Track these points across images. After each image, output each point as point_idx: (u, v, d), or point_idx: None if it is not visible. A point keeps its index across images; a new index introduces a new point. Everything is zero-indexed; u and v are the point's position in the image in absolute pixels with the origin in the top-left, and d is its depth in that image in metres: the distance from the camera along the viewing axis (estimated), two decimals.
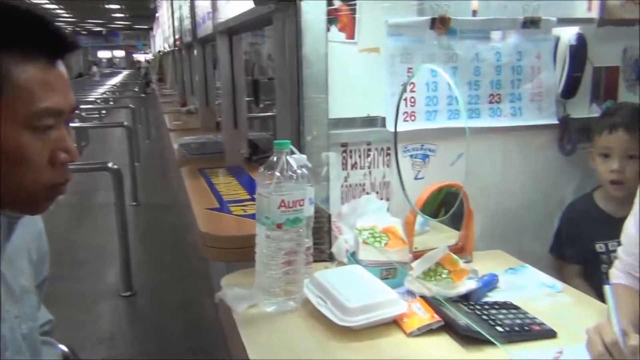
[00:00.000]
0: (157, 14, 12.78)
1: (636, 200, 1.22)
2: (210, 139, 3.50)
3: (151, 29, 23.18)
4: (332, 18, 1.60)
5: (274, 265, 1.26)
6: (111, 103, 11.39)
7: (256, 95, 3.66)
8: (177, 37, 6.72)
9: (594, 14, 1.86)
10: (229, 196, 2.31)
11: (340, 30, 1.61)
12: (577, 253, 1.72)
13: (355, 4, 1.61)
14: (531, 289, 1.41)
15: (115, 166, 3.69)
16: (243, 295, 1.31)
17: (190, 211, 2.25)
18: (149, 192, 6.09)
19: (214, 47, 3.77)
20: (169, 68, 10.40)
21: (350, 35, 1.62)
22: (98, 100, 10.73)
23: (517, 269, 1.53)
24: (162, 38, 11.51)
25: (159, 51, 14.19)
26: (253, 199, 2.20)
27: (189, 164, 3.05)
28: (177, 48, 7.27)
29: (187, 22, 5.05)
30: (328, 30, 1.56)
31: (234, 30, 2.89)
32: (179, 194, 4.78)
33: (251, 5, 1.90)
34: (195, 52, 4.72)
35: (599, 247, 1.66)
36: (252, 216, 1.92)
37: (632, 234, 1.23)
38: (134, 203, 5.66)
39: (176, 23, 6.63)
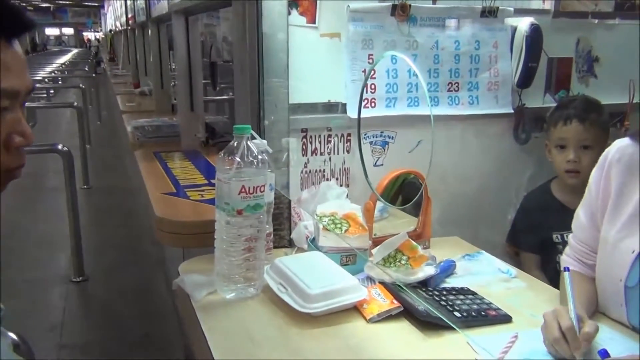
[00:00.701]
0: None
1: (589, 187, 1.26)
2: (165, 122, 3.43)
3: (102, 6, 22.43)
4: (293, 2, 1.57)
5: (234, 252, 1.24)
6: (60, 82, 10.98)
7: (213, 78, 3.59)
8: (130, 15, 6.53)
9: (549, 5, 1.90)
10: (186, 181, 2.27)
11: (301, 14, 1.59)
12: (534, 242, 1.76)
13: None
14: (487, 274, 1.45)
15: (65, 148, 3.57)
16: (202, 282, 1.30)
17: (144, 195, 2.20)
18: (100, 176, 5.93)
19: (169, 27, 3.68)
20: (121, 48, 10.10)
21: (312, 20, 1.60)
22: (46, 80, 10.32)
23: (473, 255, 1.56)
24: (114, 16, 11.15)
25: (110, 30, 13.76)
26: (210, 184, 2.18)
27: (143, 147, 2.98)
28: (129, 27, 7.06)
29: (141, 1, 4.90)
30: (289, 13, 1.54)
31: (190, 10, 2.82)
32: (132, 178, 4.68)
33: None
34: (149, 32, 4.60)
35: (556, 237, 1.70)
36: (210, 201, 1.91)
37: (582, 222, 1.27)
38: (85, 186, 5.50)
39: (129, 1, 6.43)
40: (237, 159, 1.22)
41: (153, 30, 4.39)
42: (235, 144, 1.24)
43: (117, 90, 6.42)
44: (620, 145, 1.20)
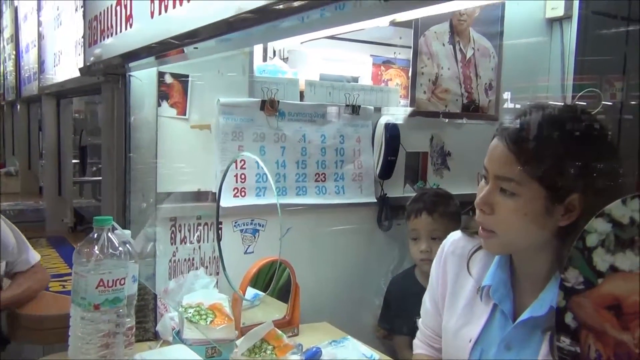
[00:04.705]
0: None
1: (431, 277, 1.32)
2: (30, 205, 3.24)
3: None
4: (164, 93, 1.61)
5: (89, 349, 1.18)
6: None
7: (83, 160, 3.48)
8: None
9: (406, 105, 2.09)
10: (47, 270, 2.13)
11: (172, 106, 1.63)
12: (401, 325, 1.80)
13: (187, 81, 1.65)
14: None
15: None
16: None
17: None
18: None
19: (40, 106, 3.55)
20: None
21: (182, 112, 1.64)
22: None
23: (340, 340, 1.60)
24: None
25: None
26: None
27: None
28: None
29: (10, 79, 4.71)
30: (159, 105, 1.57)
31: (62, 93, 2.77)
32: None
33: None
34: (18, 110, 4.40)
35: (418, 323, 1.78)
36: None
37: (428, 308, 1.32)
38: None
39: None
40: (96, 251, 1.18)
41: (22, 109, 4.22)
42: (96, 235, 1.21)
43: None
44: (454, 238, 1.27)
